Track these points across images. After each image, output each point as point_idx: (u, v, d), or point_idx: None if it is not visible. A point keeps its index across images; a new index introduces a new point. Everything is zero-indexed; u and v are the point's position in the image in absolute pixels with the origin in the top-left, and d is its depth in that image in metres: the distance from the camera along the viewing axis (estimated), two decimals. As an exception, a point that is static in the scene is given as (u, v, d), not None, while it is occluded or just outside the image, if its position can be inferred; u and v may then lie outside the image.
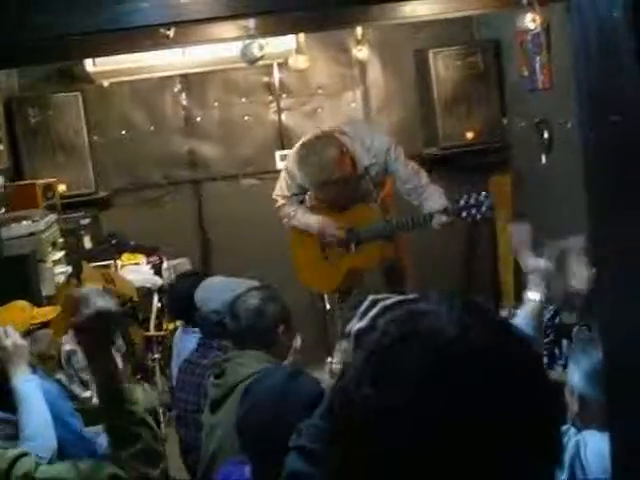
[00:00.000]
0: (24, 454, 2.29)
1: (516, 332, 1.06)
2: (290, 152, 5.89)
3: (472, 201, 5.32)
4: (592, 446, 2.67)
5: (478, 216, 5.37)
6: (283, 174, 5.84)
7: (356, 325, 1.43)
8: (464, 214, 5.35)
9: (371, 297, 1.46)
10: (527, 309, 3.15)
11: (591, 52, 1.23)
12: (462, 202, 5.35)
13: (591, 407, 2.71)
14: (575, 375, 2.79)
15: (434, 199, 5.44)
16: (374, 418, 0.98)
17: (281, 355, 3.57)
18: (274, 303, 3.61)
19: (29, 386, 3.55)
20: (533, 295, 3.18)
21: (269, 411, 2.59)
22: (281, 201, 5.84)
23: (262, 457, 2.56)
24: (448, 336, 0.99)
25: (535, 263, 3.33)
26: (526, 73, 6.41)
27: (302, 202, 5.81)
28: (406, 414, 0.96)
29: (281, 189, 5.82)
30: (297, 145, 5.68)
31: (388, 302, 1.40)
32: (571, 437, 2.73)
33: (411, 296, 1.20)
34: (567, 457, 2.68)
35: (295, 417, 2.28)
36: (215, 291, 4.21)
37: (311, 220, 5.75)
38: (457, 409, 0.95)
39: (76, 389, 4.81)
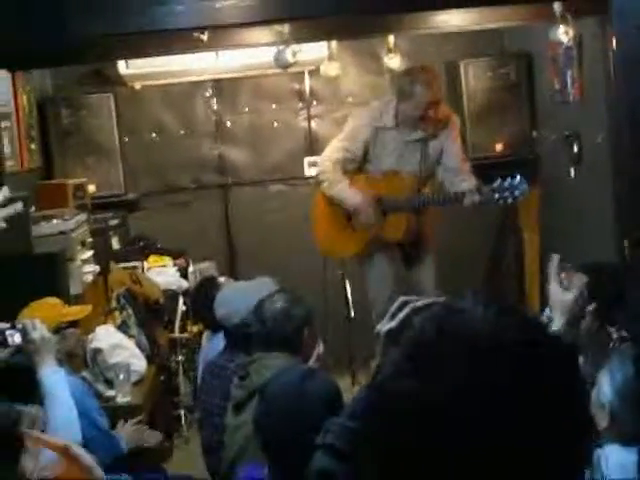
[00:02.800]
0: None
1: (551, 334, 1.07)
2: (362, 110, 6.11)
3: (506, 184, 5.34)
4: (614, 460, 2.66)
5: (510, 199, 5.39)
6: (340, 137, 6.01)
7: (386, 326, 1.45)
8: (497, 196, 5.37)
9: (401, 298, 1.47)
10: None
11: (629, 58, 1.24)
12: (496, 184, 5.37)
13: (622, 423, 2.69)
14: (608, 390, 2.78)
15: (468, 182, 5.53)
16: (415, 411, 0.99)
17: (305, 359, 3.58)
18: (299, 306, 3.61)
19: (55, 379, 3.59)
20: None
21: (285, 409, 2.61)
22: (327, 164, 5.93)
23: (279, 456, 2.57)
24: (484, 334, 1.00)
25: (559, 296, 3.34)
26: (557, 86, 6.40)
27: (346, 172, 5.91)
28: (446, 408, 0.97)
29: (331, 151, 5.95)
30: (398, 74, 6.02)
31: (418, 304, 1.41)
32: (592, 453, 2.72)
33: (441, 299, 1.21)
34: (587, 472, 2.67)
35: (310, 415, 2.30)
36: (238, 295, 4.21)
37: (348, 195, 5.82)
38: (491, 408, 0.96)
39: (100, 387, 4.86)
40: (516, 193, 5.35)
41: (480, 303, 1.04)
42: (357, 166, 5.93)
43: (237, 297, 4.19)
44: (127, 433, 4.44)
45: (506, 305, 1.05)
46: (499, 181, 5.38)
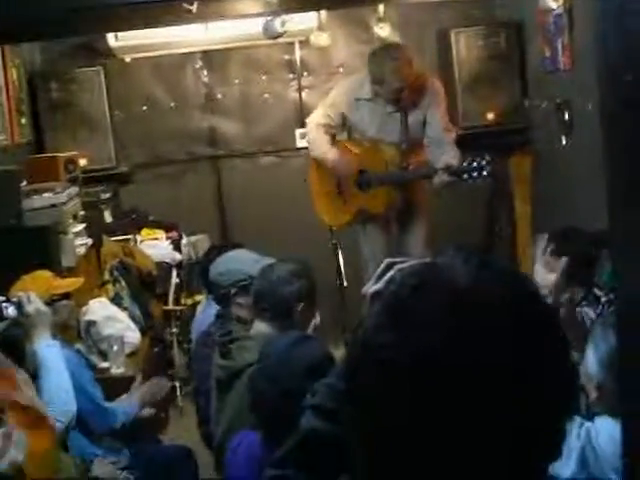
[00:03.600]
0: None
1: (532, 287, 1.07)
2: (345, 80, 6.26)
3: (474, 164, 5.38)
4: (604, 432, 2.67)
5: (478, 180, 5.43)
6: (323, 102, 6.17)
7: (373, 287, 1.46)
8: (465, 176, 5.42)
9: (387, 260, 1.48)
10: None
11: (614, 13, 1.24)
12: (464, 164, 5.42)
13: (609, 394, 2.70)
14: (593, 361, 2.79)
15: (446, 157, 5.54)
16: (394, 363, 1.00)
17: (302, 330, 3.57)
18: (303, 277, 3.61)
19: (50, 351, 3.60)
20: None
21: (272, 374, 2.63)
22: (311, 126, 6.11)
23: (271, 421, 2.59)
24: (461, 287, 1.01)
25: (543, 277, 3.37)
26: (547, 54, 6.39)
27: (333, 137, 6.09)
28: (424, 360, 0.98)
29: (315, 116, 6.12)
30: (368, 55, 5.96)
31: (404, 265, 1.42)
32: (582, 425, 2.73)
33: (428, 259, 1.21)
34: (578, 445, 2.68)
35: (293, 380, 2.32)
36: (237, 259, 4.23)
37: (329, 154, 5.97)
38: (469, 360, 0.97)
39: (94, 359, 4.88)
40: (484, 173, 5.39)
41: (460, 257, 1.05)
42: (335, 133, 6.11)
43: (236, 260, 4.20)
44: (142, 392, 4.47)
45: (487, 258, 1.06)
46: (468, 160, 5.43)
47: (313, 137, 6.09)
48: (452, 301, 1.00)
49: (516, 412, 0.99)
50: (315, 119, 6.10)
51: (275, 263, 3.71)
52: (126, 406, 4.32)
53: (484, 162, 5.39)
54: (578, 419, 2.74)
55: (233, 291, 4.02)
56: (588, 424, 2.74)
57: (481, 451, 0.98)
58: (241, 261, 4.16)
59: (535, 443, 1.01)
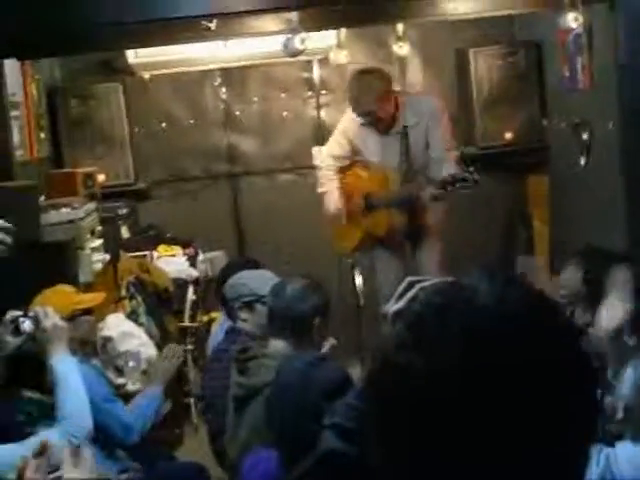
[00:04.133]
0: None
1: (556, 307, 1.06)
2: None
3: (459, 176, 5.39)
4: (624, 458, 2.64)
5: (462, 190, 5.43)
6: (337, 128, 6.25)
7: (394, 306, 1.44)
8: (449, 188, 5.43)
9: (409, 279, 1.46)
10: None
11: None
12: (449, 178, 5.45)
13: (635, 418, 2.67)
14: (627, 382, 2.76)
15: (444, 173, 5.57)
16: (413, 384, 0.98)
17: (316, 349, 3.56)
18: (318, 293, 3.60)
19: (67, 366, 3.60)
20: None
21: (289, 397, 2.60)
22: (323, 160, 6.26)
23: (288, 441, 2.57)
24: (488, 307, 1.00)
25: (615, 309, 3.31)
26: (567, 74, 6.37)
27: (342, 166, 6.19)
28: (447, 379, 0.97)
29: (328, 146, 6.26)
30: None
31: (425, 284, 1.41)
32: (602, 451, 2.70)
33: (450, 279, 1.20)
34: (598, 471, 2.65)
35: (316, 400, 2.30)
36: (252, 275, 4.24)
37: (329, 200, 6.09)
38: (492, 382, 0.96)
39: (110, 375, 4.86)
40: (468, 184, 5.40)
41: (485, 277, 1.04)
42: (350, 161, 6.15)
43: (246, 277, 4.20)
44: (160, 368, 4.47)
45: (511, 278, 1.05)
46: (453, 174, 5.44)
47: (321, 174, 6.21)
48: (476, 322, 0.99)
49: (539, 436, 0.97)
50: (329, 150, 6.20)
51: (287, 280, 3.70)
52: (146, 403, 4.28)
53: (467, 174, 5.41)
54: (598, 445, 2.71)
55: (237, 305, 4.03)
56: (608, 450, 2.71)
57: (502, 471, 0.97)
58: (251, 278, 4.17)
59: (558, 469, 0.99)
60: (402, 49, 7.39)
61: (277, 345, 3.49)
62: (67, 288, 4.23)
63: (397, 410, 1.00)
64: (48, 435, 3.23)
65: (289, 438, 2.54)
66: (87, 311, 4.25)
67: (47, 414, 3.52)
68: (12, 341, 3.65)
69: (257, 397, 3.31)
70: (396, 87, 6.14)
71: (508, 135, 7.14)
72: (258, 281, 4.06)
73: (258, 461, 2.86)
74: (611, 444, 2.73)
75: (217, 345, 4.50)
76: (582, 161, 6.20)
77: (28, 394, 3.60)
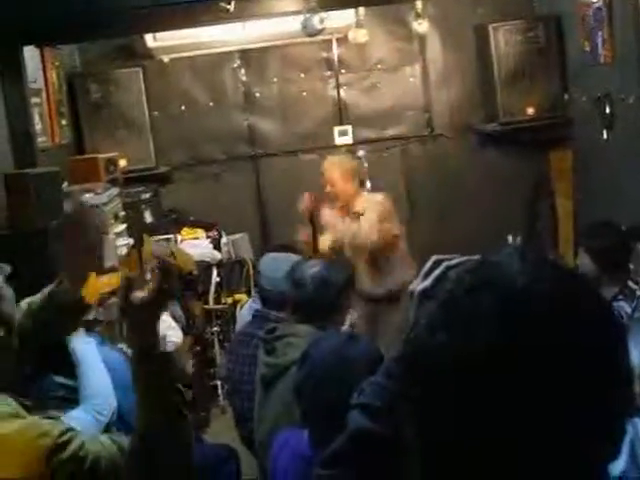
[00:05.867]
0: (70, 430, 2.30)
1: (588, 284, 1.05)
2: None
3: None
4: None
5: None
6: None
7: (420, 285, 1.44)
8: None
9: (434, 257, 1.46)
10: None
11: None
12: None
13: None
14: (634, 355, 2.75)
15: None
16: (447, 365, 0.98)
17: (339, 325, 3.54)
18: (338, 272, 3.59)
19: (87, 348, 3.62)
20: None
21: (327, 373, 2.60)
22: None
23: (320, 420, 2.57)
24: (519, 285, 0.99)
25: None
26: (588, 48, 6.32)
27: None
28: (479, 361, 0.96)
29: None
30: None
31: (452, 262, 1.40)
32: (629, 421, 2.69)
33: (475, 256, 1.20)
34: (627, 440, 2.64)
35: (353, 379, 2.29)
36: (280, 261, 4.23)
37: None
38: (525, 361, 0.96)
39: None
40: None
41: (516, 255, 1.03)
42: None
43: (283, 263, 4.19)
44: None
45: (543, 257, 1.04)
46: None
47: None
48: (510, 300, 0.98)
49: (576, 409, 0.97)
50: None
51: (303, 267, 3.65)
52: None
53: None
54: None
55: (277, 296, 4.02)
56: (635, 419, 2.70)
57: (540, 451, 0.97)
58: (284, 263, 4.13)
59: (595, 442, 0.99)
60: (421, 26, 7.35)
61: (303, 326, 3.49)
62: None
63: (436, 390, 1.00)
64: (74, 414, 3.26)
65: (322, 416, 2.54)
66: (111, 293, 4.27)
67: (77, 398, 3.55)
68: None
69: (284, 376, 3.31)
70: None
71: (530, 110, 7.09)
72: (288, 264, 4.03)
73: (287, 439, 2.86)
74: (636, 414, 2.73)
75: (242, 328, 4.50)
76: (605, 135, 6.16)
77: (59, 379, 3.63)
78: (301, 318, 3.52)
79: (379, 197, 5.87)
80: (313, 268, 3.57)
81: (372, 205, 5.74)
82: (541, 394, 0.95)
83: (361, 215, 5.66)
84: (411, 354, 1.05)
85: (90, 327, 3.99)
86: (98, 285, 4.20)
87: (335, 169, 5.84)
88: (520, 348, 0.96)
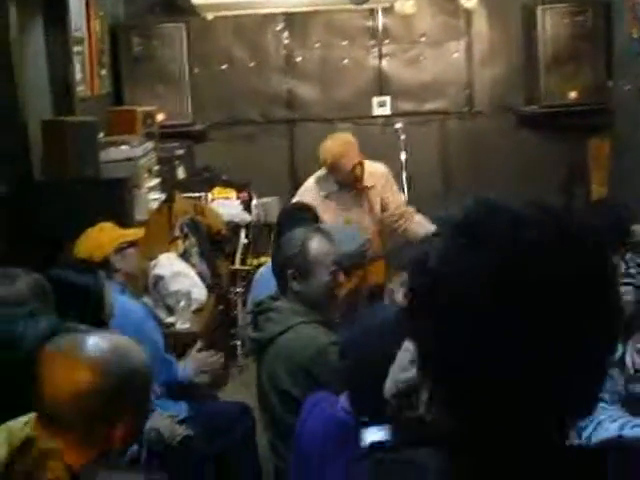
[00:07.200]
0: None
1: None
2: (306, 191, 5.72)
3: None
4: None
5: None
6: None
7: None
8: None
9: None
10: None
11: None
12: None
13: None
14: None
15: (422, 227, 5.40)
16: (468, 290, 1.01)
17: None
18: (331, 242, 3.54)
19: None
20: None
21: (377, 341, 2.57)
22: None
23: (364, 385, 2.54)
24: (525, 215, 1.06)
25: None
26: (635, 35, 6.25)
27: None
28: (499, 278, 1.00)
29: None
30: None
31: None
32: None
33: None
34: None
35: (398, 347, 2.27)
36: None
37: None
38: (539, 287, 1.00)
39: (161, 314, 4.92)
40: None
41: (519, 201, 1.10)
42: None
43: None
44: (195, 359, 4.50)
45: (544, 203, 1.11)
46: None
47: None
48: (518, 221, 1.04)
49: (577, 328, 1.01)
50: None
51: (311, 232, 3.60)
52: (181, 369, 4.35)
53: None
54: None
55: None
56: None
57: (541, 374, 1.00)
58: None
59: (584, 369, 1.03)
60: (469, 1, 7.28)
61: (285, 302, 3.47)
62: (108, 224, 4.29)
63: (455, 317, 1.02)
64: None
65: (367, 382, 2.51)
66: (132, 244, 4.31)
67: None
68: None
69: (266, 352, 3.36)
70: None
71: (572, 95, 7.04)
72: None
73: (318, 402, 2.86)
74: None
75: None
76: (645, 125, 6.10)
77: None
78: (292, 281, 3.50)
79: (382, 168, 5.77)
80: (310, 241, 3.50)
81: (377, 178, 5.65)
82: (544, 317, 1.00)
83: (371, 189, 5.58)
84: (424, 282, 1.05)
85: (110, 275, 4.04)
86: (119, 234, 4.25)
87: (349, 147, 5.55)
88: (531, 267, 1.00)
